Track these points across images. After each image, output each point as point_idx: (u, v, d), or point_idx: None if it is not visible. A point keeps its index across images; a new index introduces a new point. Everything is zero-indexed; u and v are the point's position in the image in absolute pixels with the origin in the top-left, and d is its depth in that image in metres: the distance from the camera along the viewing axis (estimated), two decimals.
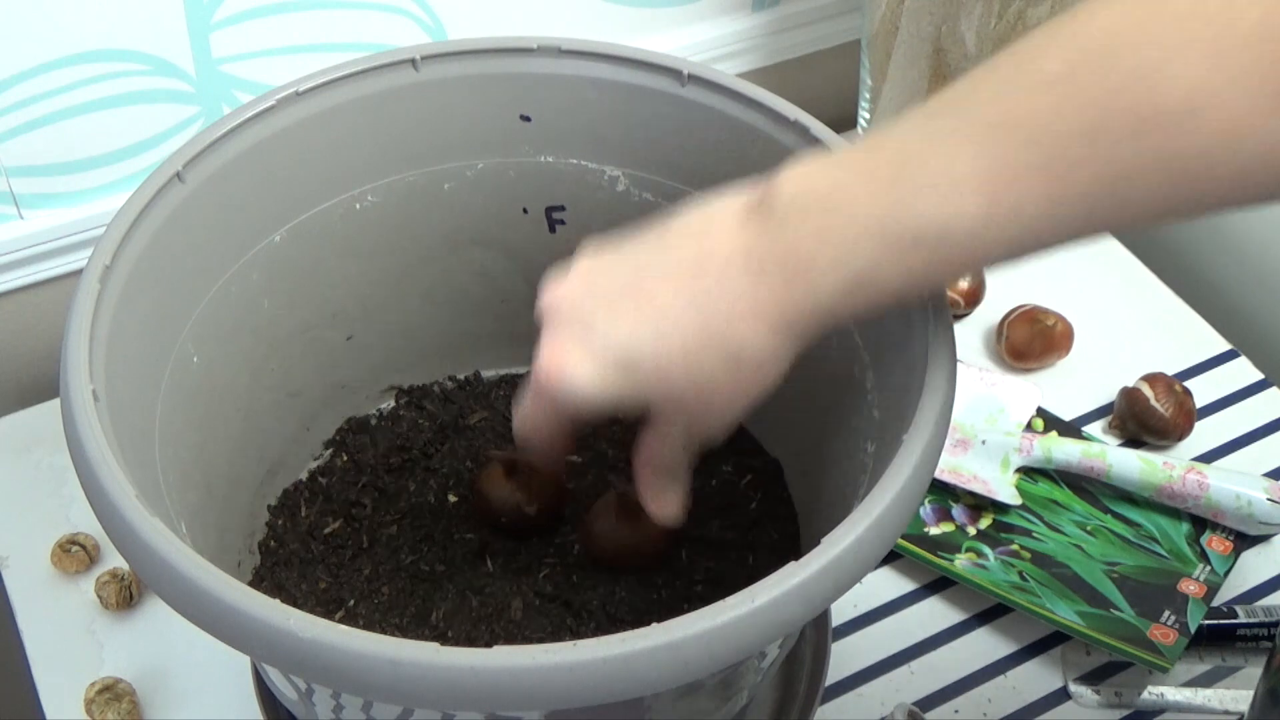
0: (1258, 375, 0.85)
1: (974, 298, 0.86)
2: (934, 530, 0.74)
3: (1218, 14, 0.39)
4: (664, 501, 0.55)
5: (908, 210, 0.43)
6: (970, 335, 0.86)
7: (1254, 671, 0.69)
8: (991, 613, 0.72)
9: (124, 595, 0.70)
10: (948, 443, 0.69)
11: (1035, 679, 0.69)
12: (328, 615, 0.61)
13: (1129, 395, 0.80)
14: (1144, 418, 0.79)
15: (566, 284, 0.50)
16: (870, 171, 0.44)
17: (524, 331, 0.72)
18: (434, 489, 0.68)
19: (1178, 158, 0.41)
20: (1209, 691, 0.69)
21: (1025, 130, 0.42)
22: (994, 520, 0.75)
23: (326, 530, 0.65)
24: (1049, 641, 0.71)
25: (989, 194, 0.42)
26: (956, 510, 0.75)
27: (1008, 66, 0.43)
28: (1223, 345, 0.86)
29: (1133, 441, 0.80)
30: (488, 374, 0.73)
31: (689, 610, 0.41)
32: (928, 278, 0.45)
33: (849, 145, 0.45)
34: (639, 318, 0.48)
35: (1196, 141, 0.40)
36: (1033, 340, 0.83)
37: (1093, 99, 0.41)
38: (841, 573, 0.43)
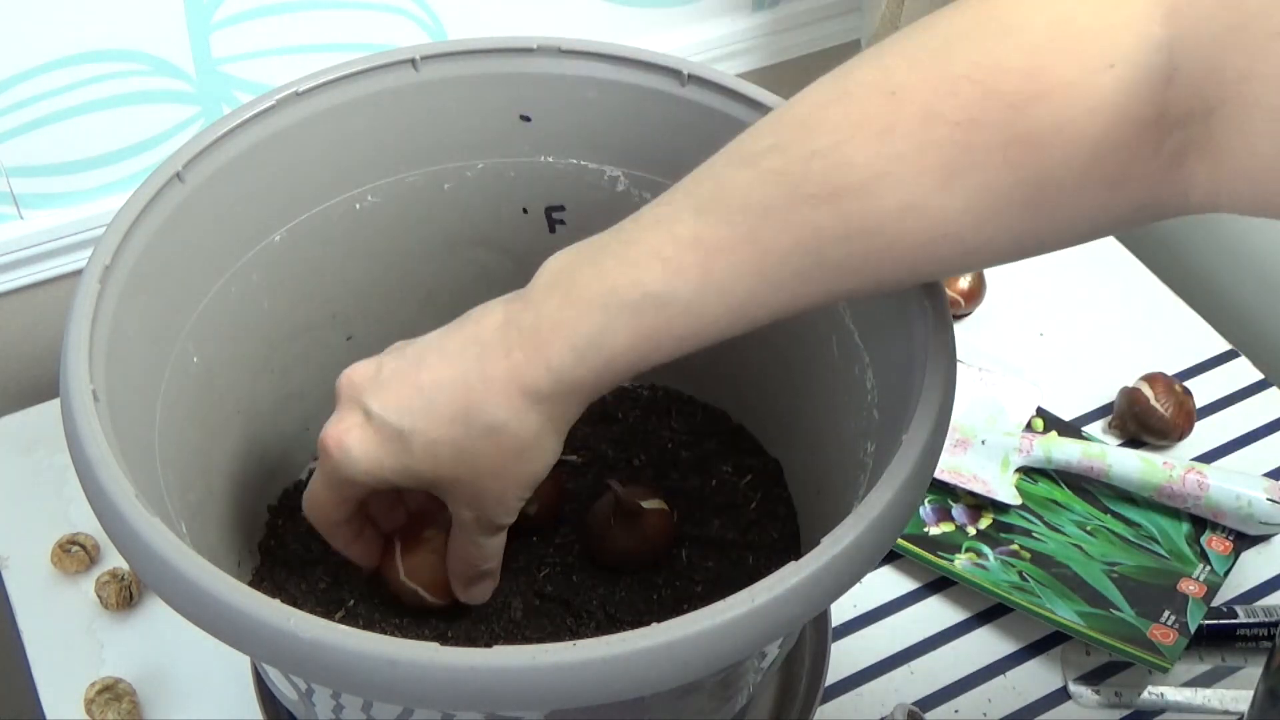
0: (1258, 375, 0.85)
1: (974, 297, 0.86)
2: (934, 530, 0.74)
3: (886, 99, 0.43)
4: (475, 591, 0.58)
5: (630, 278, 0.46)
6: (970, 335, 0.86)
7: (1254, 671, 0.69)
8: (991, 613, 0.72)
9: (124, 595, 0.70)
10: (948, 443, 0.69)
11: (1035, 679, 0.69)
12: (328, 615, 0.61)
13: (1129, 395, 0.80)
14: (1144, 418, 0.79)
15: (360, 366, 0.52)
16: (606, 245, 0.47)
17: None
18: None
19: (864, 230, 0.44)
20: (1209, 691, 0.69)
21: (730, 203, 0.45)
22: (994, 520, 0.75)
23: None
24: (1049, 641, 0.71)
25: (702, 265, 0.45)
26: (956, 510, 0.75)
27: (728, 147, 0.47)
28: (1223, 345, 0.87)
29: (1133, 441, 0.80)
30: None
31: (689, 610, 0.41)
32: (659, 345, 0.47)
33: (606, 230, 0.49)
34: (413, 395, 0.50)
35: (878, 214, 0.43)
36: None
37: (787, 174, 0.44)
38: (841, 573, 0.43)
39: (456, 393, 0.49)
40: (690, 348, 0.48)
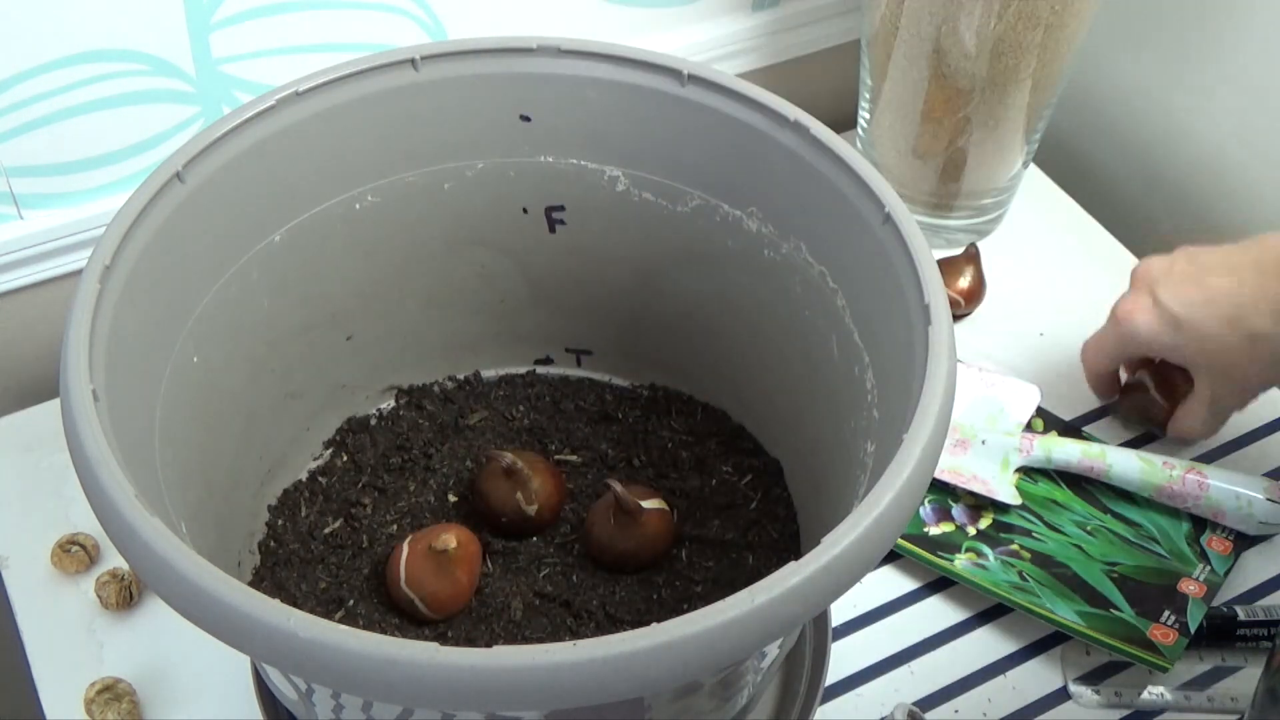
0: None
1: (974, 297, 0.86)
2: (934, 530, 0.74)
3: None
4: (1191, 428, 0.76)
5: None
6: (970, 335, 0.86)
7: (1254, 671, 0.69)
8: (991, 613, 0.72)
9: (124, 595, 0.70)
10: (948, 443, 0.69)
11: (1035, 679, 0.69)
12: (328, 615, 0.61)
13: (1129, 387, 0.80)
14: (1146, 409, 0.79)
15: (1156, 261, 0.71)
16: None
17: (524, 331, 0.72)
18: (434, 489, 0.68)
19: None
20: (1209, 691, 0.69)
21: None
22: (994, 520, 0.75)
23: (326, 530, 0.65)
24: (1049, 641, 0.71)
25: None
26: (956, 510, 0.75)
27: None
28: None
29: (1139, 439, 0.80)
30: (488, 374, 0.73)
31: (689, 610, 0.41)
32: None
33: None
34: (1195, 293, 0.69)
35: None
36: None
37: None
38: (841, 573, 0.44)
39: (1231, 301, 0.67)
40: None
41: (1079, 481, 0.77)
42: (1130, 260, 0.92)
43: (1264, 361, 0.68)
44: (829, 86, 1.01)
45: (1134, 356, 0.74)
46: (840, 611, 0.72)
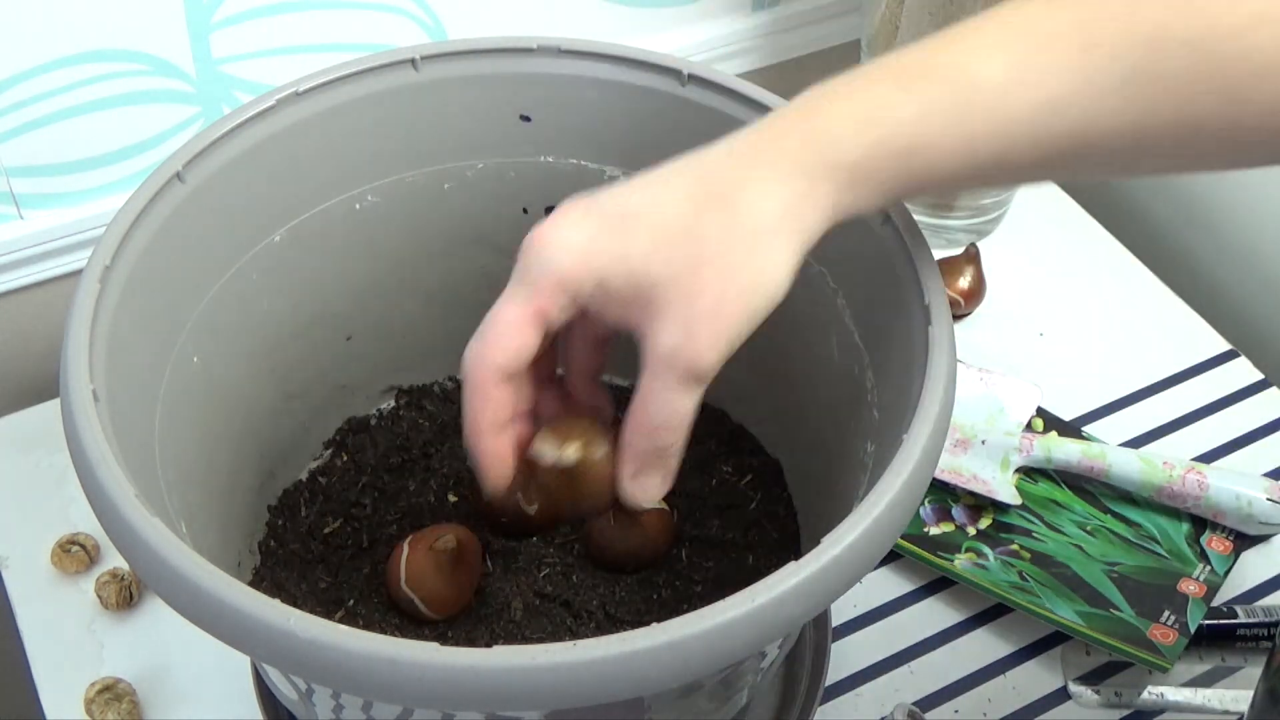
0: (1258, 375, 0.85)
1: (974, 297, 0.86)
2: (934, 530, 0.74)
3: None
4: (644, 482, 0.48)
5: (933, 60, 0.44)
6: (970, 335, 0.86)
7: (1254, 671, 0.69)
8: (991, 613, 0.72)
9: (124, 595, 0.70)
10: (948, 443, 0.69)
11: (1035, 679, 0.69)
12: (328, 615, 0.61)
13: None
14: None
15: (577, 196, 0.46)
16: (900, 55, 0.46)
17: None
18: (434, 489, 0.68)
19: (1215, 34, 0.40)
20: (1209, 691, 0.69)
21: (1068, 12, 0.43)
22: (994, 520, 0.75)
23: (326, 530, 0.65)
24: (1049, 641, 0.71)
25: (1020, 52, 0.43)
26: (956, 510, 0.75)
27: None
28: (1223, 345, 0.86)
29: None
30: None
31: (689, 610, 0.41)
32: (952, 131, 0.43)
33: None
34: (643, 186, 0.45)
35: (1254, 58, 0.40)
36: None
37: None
38: (841, 573, 0.43)
39: (694, 187, 0.45)
40: (983, 146, 0.43)
41: (1079, 481, 0.77)
42: (1131, 261, 0.92)
43: (741, 243, 0.43)
44: None
45: (552, 312, 0.45)
46: (840, 611, 0.72)
